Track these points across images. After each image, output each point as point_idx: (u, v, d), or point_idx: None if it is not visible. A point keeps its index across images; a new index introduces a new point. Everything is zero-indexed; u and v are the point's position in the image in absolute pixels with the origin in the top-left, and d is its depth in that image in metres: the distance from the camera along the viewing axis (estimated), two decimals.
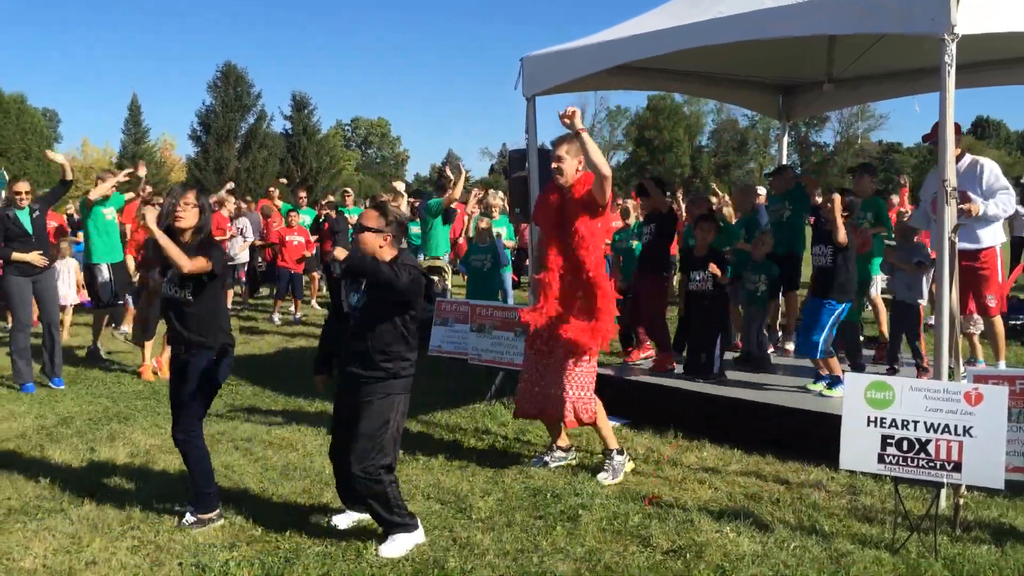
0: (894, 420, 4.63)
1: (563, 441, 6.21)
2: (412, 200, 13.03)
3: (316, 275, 14.64)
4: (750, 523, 4.93)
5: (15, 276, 8.33)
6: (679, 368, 7.72)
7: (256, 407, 7.78)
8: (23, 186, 8.47)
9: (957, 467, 4.52)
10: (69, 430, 6.90)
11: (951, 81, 5.04)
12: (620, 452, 5.92)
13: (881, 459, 4.66)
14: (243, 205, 15.84)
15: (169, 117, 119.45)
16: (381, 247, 4.57)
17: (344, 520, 4.92)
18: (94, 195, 9.68)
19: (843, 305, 6.73)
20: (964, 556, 4.48)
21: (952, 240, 5.06)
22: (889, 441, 4.64)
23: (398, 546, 4.54)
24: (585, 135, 5.36)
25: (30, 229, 8.36)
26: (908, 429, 4.61)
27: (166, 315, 5.00)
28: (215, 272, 4.88)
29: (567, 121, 5.32)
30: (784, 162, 9.88)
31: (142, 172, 10.14)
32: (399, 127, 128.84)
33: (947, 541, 4.66)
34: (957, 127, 6.66)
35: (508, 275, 11.19)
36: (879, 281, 9.42)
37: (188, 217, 4.88)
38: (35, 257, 8.33)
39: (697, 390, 7.17)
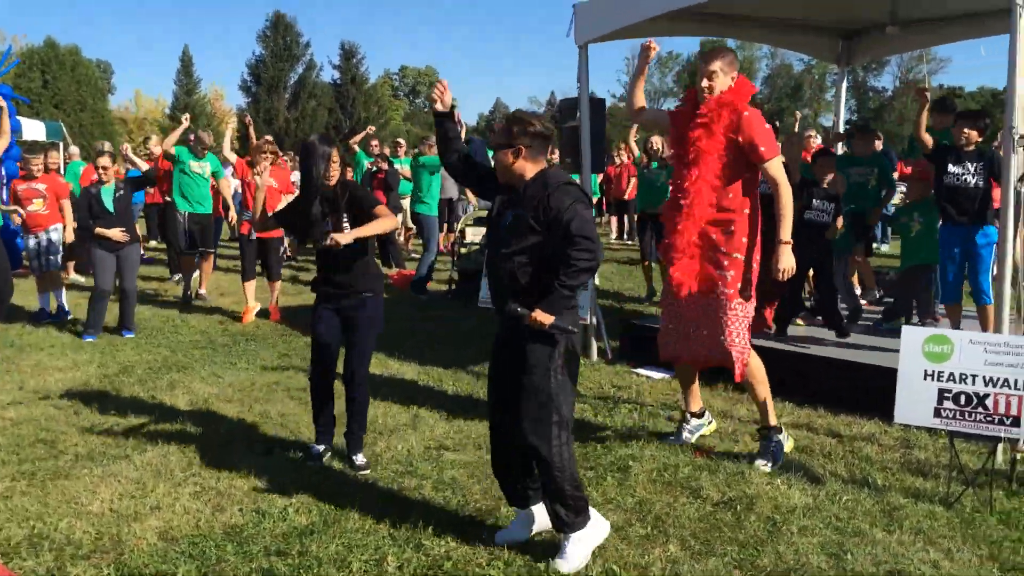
0: (952, 374, 4.56)
1: (696, 405, 5.61)
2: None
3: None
4: (801, 476, 4.92)
5: (98, 249, 8.68)
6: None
7: (309, 356, 7.87)
8: (103, 160, 8.77)
9: (1016, 422, 4.45)
10: (131, 379, 7.09)
11: (1022, 23, 4.85)
12: (779, 430, 5.23)
13: (937, 413, 4.60)
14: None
15: (220, 68, 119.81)
16: (513, 161, 3.85)
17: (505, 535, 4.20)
18: (168, 144, 10.58)
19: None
20: (1020, 511, 4.44)
21: (1019, 190, 4.91)
22: (946, 395, 4.57)
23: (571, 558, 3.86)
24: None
25: (110, 208, 8.63)
26: (966, 383, 4.54)
27: (324, 267, 5.09)
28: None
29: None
30: (841, 108, 9.63)
31: (208, 140, 10.94)
32: (447, 75, 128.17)
33: (1003, 496, 4.60)
34: None
35: None
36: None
37: (336, 174, 4.97)
38: (115, 233, 8.59)
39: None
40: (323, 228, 4.96)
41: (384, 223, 5.02)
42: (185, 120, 10.70)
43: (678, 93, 76.24)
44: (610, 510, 4.47)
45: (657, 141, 10.61)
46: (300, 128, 49.80)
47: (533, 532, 4.14)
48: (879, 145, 9.73)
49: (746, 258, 4.96)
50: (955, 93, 76.77)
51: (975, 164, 6.68)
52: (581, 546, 3.88)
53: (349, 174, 12.86)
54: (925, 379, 4.61)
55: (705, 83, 4.95)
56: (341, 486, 4.79)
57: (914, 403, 4.64)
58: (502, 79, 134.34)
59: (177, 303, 10.55)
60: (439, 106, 4.27)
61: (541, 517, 4.09)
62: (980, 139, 6.79)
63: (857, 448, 5.40)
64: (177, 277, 11.03)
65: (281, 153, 14.98)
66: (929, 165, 7.17)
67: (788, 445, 5.32)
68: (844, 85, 9.60)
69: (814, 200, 7.32)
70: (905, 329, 4.79)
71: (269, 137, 15.43)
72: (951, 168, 6.74)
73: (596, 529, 3.96)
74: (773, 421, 5.21)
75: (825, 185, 7.40)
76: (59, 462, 5.15)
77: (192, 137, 10.92)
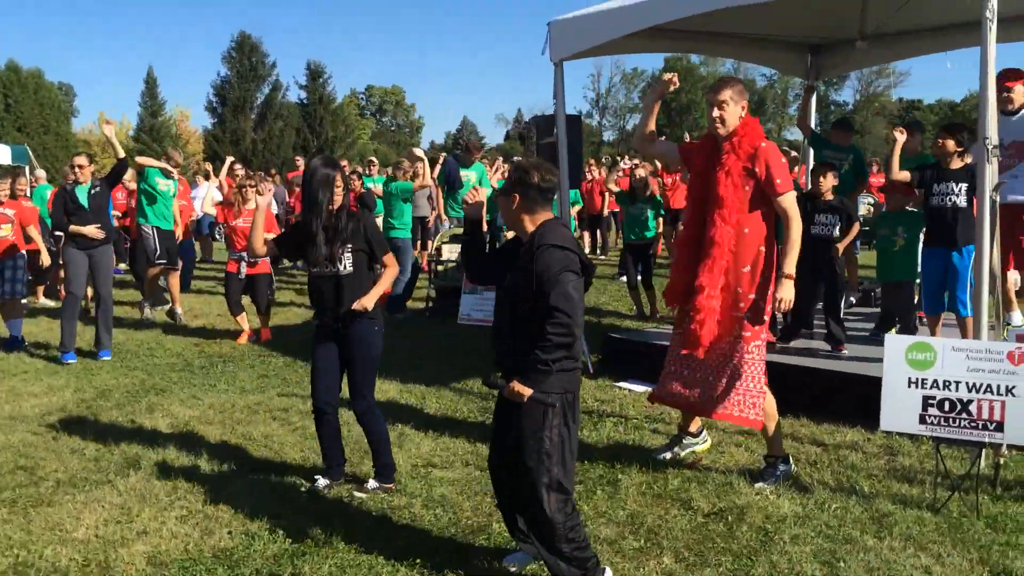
0: (935, 381, 4.63)
1: (694, 425, 5.59)
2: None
3: None
4: (789, 485, 4.95)
5: (72, 248, 8.62)
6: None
7: (288, 378, 7.83)
8: (79, 160, 8.79)
9: (999, 427, 4.51)
10: (108, 403, 6.99)
11: (992, 36, 4.95)
12: (787, 460, 5.18)
13: (923, 420, 4.66)
14: (267, 177, 15.97)
15: (185, 89, 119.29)
16: (514, 208, 3.82)
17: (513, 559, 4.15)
18: (140, 160, 10.80)
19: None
20: (1006, 515, 4.49)
21: (993, 199, 5.01)
22: (931, 402, 4.63)
23: None
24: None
25: (86, 204, 8.63)
26: (950, 390, 4.60)
27: (317, 294, 4.92)
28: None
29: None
30: (812, 121, 9.77)
31: (178, 158, 11.14)
32: (413, 95, 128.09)
33: (987, 500, 4.66)
34: (1018, 73, 6.59)
35: None
36: None
37: (339, 199, 4.84)
38: (91, 230, 8.56)
39: None
40: (320, 253, 4.81)
41: (391, 273, 5.02)
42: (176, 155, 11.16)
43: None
44: (602, 523, 4.47)
45: (641, 172, 10.69)
46: (267, 149, 49.61)
47: None
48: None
49: (761, 294, 4.94)
50: (914, 106, 78.20)
51: (959, 184, 6.70)
52: None
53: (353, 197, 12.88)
54: (909, 386, 4.67)
55: (716, 113, 4.89)
56: (330, 507, 4.75)
57: (899, 410, 4.69)
58: (469, 97, 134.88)
59: (151, 325, 10.40)
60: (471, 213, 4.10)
61: None
62: (959, 150, 6.74)
63: (842, 456, 5.45)
64: (147, 309, 10.86)
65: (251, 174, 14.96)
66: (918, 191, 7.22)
67: (789, 472, 5.19)
68: (814, 98, 9.73)
69: (816, 215, 7.41)
70: (888, 338, 4.86)
71: (235, 163, 15.20)
72: (935, 188, 6.81)
73: None
74: (781, 452, 5.17)
75: (828, 198, 7.45)
76: (40, 489, 5.06)
77: (163, 156, 10.90)
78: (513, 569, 4.00)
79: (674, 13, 6.71)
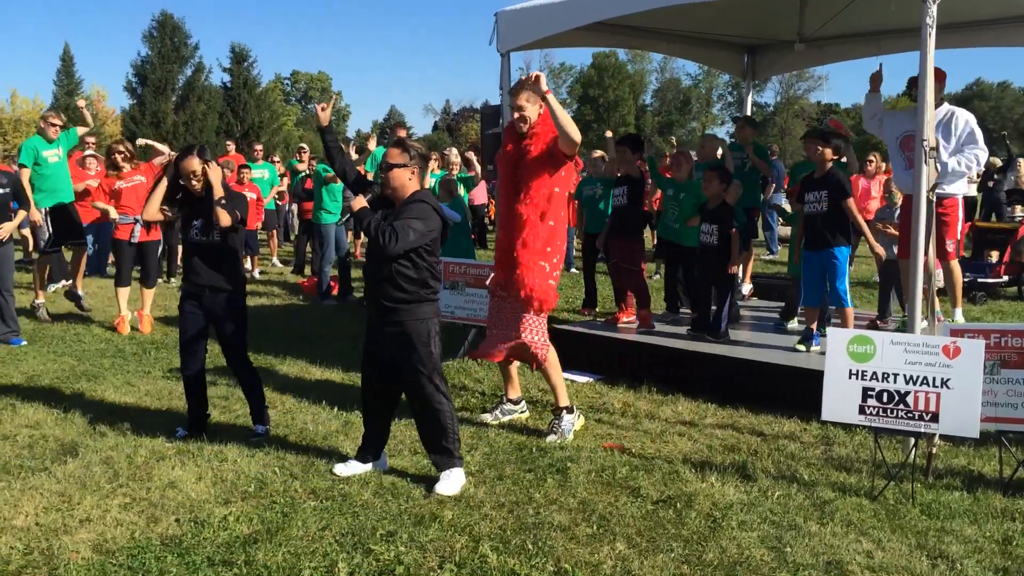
0: (875, 373, 4.80)
1: (514, 392, 6.28)
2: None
3: (275, 232, 14.49)
4: (733, 473, 5.08)
5: None
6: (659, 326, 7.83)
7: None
8: None
9: (935, 417, 4.71)
10: (37, 389, 6.76)
11: (931, 42, 5.15)
12: (570, 411, 5.89)
13: (862, 410, 4.83)
14: None
15: (103, 68, 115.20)
16: (409, 180, 4.82)
17: (344, 469, 5.01)
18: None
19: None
20: (939, 502, 4.69)
21: (930, 199, 5.21)
22: (870, 393, 4.81)
23: (454, 483, 4.74)
24: (551, 98, 5.44)
25: None
26: (888, 381, 4.78)
27: (190, 261, 5.54)
28: (242, 222, 5.58)
29: (531, 85, 5.51)
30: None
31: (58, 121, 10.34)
32: (340, 82, 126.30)
33: (921, 488, 4.86)
34: (941, 75, 6.86)
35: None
36: None
37: (202, 180, 5.53)
38: None
39: (668, 345, 7.32)
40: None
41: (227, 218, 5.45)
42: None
43: (571, 104, 77.49)
44: (554, 510, 4.52)
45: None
46: (189, 132, 48.29)
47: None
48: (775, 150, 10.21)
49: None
50: (832, 110, 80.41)
51: (821, 192, 6.92)
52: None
53: (234, 178, 12.51)
54: (850, 378, 4.84)
55: (516, 115, 5.60)
56: (280, 494, 4.69)
57: (840, 401, 4.86)
58: (396, 86, 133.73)
59: (76, 313, 10.03)
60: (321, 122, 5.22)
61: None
62: (834, 158, 7.00)
63: (782, 446, 5.61)
64: (42, 310, 10.16)
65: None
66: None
67: (579, 424, 5.92)
68: (750, 99, 9.96)
69: (701, 222, 7.62)
70: (831, 331, 5.02)
71: (141, 141, 14.52)
72: (807, 196, 7.04)
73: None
74: (565, 402, 5.85)
75: (711, 206, 7.59)
76: None
77: (42, 123, 10.35)
78: (344, 475, 4.93)
79: (623, 8, 6.81)
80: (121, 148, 9.54)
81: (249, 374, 5.80)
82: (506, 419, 6.13)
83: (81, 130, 10.97)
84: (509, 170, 5.77)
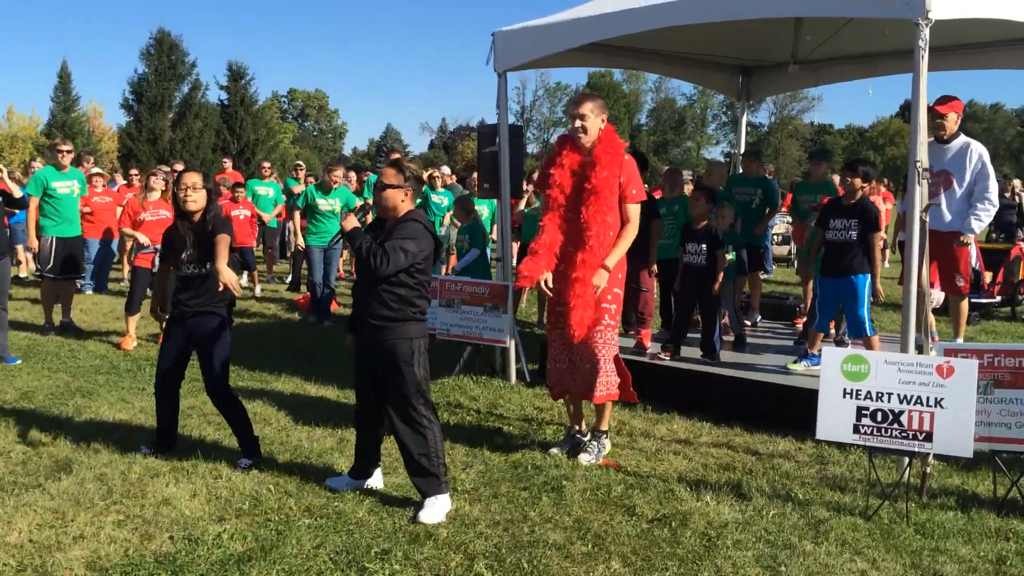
0: (869, 392, 4.82)
1: (583, 424, 6.03)
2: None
3: (271, 248, 14.55)
4: (728, 492, 5.08)
5: None
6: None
7: None
8: None
9: (928, 437, 4.72)
10: (32, 405, 6.74)
11: (924, 65, 5.19)
12: (607, 435, 5.83)
13: (856, 430, 4.85)
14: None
15: (100, 85, 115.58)
16: (403, 201, 4.82)
17: (339, 483, 5.06)
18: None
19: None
20: (933, 522, 4.69)
21: (923, 219, 5.25)
22: (864, 412, 4.83)
23: (438, 510, 4.65)
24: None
25: None
26: (882, 401, 4.80)
27: (179, 288, 5.43)
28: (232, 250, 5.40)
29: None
30: (742, 140, 10.07)
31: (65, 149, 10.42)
32: (337, 100, 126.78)
33: (915, 508, 4.87)
34: (957, 104, 6.91)
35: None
36: None
37: (198, 200, 5.38)
38: None
39: (663, 364, 7.33)
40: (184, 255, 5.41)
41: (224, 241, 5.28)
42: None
43: (567, 124, 77.59)
44: (549, 529, 4.52)
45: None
46: (186, 149, 48.31)
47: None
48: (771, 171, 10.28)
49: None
50: (826, 130, 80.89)
51: (851, 220, 6.83)
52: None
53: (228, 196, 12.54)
54: (844, 397, 4.85)
55: (576, 124, 5.45)
56: (275, 511, 4.68)
57: (835, 420, 4.87)
58: (393, 104, 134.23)
59: (71, 327, 10.04)
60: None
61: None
62: (863, 186, 6.90)
63: (776, 465, 5.62)
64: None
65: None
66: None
67: (607, 449, 5.81)
68: (744, 119, 10.03)
69: (687, 243, 7.62)
70: (825, 350, 5.04)
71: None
72: (832, 223, 6.94)
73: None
74: (606, 426, 5.79)
75: (699, 227, 7.58)
76: None
77: (52, 151, 10.46)
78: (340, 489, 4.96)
79: (619, 30, 6.85)
80: (163, 177, 9.58)
81: (230, 407, 5.54)
82: (606, 452, 5.79)
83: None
84: (568, 182, 5.49)
